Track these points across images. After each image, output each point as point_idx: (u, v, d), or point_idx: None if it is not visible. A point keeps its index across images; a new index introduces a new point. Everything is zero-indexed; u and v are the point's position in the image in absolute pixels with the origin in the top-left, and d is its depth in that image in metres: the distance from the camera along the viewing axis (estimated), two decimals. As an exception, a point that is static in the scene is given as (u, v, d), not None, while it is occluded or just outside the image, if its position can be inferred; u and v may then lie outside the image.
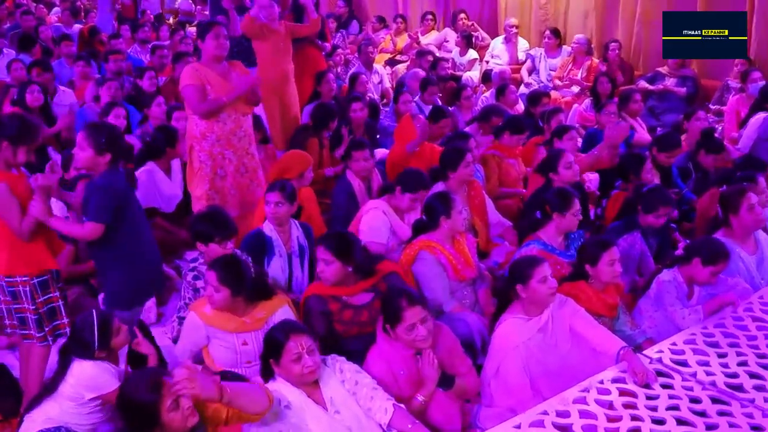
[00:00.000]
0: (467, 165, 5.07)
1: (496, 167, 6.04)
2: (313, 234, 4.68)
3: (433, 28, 11.66)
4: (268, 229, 4.49)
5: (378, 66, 9.82)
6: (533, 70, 9.99)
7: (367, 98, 7.52)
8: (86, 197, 3.72)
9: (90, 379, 3.23)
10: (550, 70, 9.73)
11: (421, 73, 8.64)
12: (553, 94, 9.25)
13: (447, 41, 11.20)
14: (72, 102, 7.52)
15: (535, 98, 7.51)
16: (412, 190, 4.76)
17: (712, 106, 8.36)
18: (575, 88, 9.21)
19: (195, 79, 4.97)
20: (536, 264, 3.60)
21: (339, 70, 9.60)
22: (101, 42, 10.40)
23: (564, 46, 10.02)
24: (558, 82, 9.44)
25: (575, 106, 8.58)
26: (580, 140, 7.01)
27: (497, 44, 10.68)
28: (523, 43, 10.66)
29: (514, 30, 10.50)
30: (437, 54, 10.56)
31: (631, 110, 7.15)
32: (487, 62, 10.56)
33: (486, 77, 9.89)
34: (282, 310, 3.74)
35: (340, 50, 10.01)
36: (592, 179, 6.34)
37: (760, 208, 4.47)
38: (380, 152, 6.53)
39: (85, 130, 3.77)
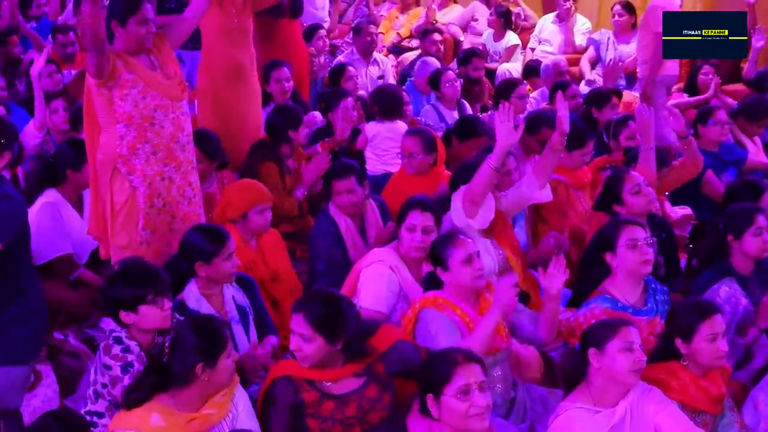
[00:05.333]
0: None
1: (566, 199, 6.05)
2: (256, 290, 4.81)
3: (455, 1, 11.80)
4: (194, 298, 4.55)
5: (379, 55, 9.86)
6: (598, 61, 10.07)
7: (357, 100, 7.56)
8: None
9: None
10: (622, 60, 9.80)
11: (434, 61, 8.66)
12: (626, 95, 9.30)
13: (476, 20, 11.32)
14: None
15: (599, 98, 7.50)
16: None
17: None
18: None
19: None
20: (620, 326, 3.68)
21: (323, 59, 9.66)
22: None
23: (643, 27, 10.08)
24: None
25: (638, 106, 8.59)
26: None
27: (546, 24, 10.76)
28: (582, 23, 10.74)
29: (570, 4, 10.57)
30: (461, 38, 10.62)
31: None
32: (533, 50, 10.67)
33: (531, 71, 9.95)
34: (238, 392, 3.82)
35: (322, 31, 10.01)
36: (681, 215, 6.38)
37: None
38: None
39: None
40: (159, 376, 3.67)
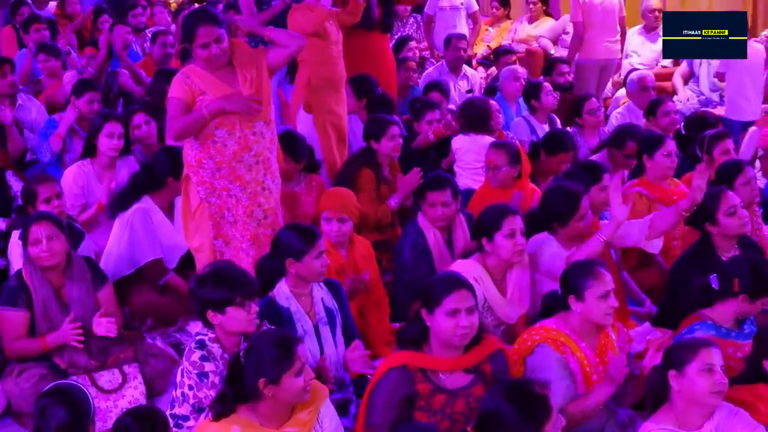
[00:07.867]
0: (581, 217, 5.07)
1: (646, 212, 5.92)
2: (344, 293, 4.85)
3: (546, 14, 11.74)
4: (284, 296, 4.59)
5: (469, 69, 9.84)
6: (691, 77, 9.88)
7: (447, 114, 7.57)
8: None
9: None
10: (716, 77, 9.60)
11: (521, 71, 8.60)
12: (720, 110, 9.14)
13: (567, 33, 11.19)
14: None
15: (698, 122, 7.30)
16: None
17: None
18: None
19: (183, 90, 5.06)
20: (700, 347, 3.63)
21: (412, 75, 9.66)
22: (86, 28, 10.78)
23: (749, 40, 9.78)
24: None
25: (752, 129, 8.44)
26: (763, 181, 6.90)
27: (633, 37, 10.50)
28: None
29: (657, 14, 10.25)
30: (552, 51, 10.53)
31: None
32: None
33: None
34: (325, 407, 3.82)
35: (413, 43, 10.00)
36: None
37: None
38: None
39: None
40: (238, 388, 3.66)
